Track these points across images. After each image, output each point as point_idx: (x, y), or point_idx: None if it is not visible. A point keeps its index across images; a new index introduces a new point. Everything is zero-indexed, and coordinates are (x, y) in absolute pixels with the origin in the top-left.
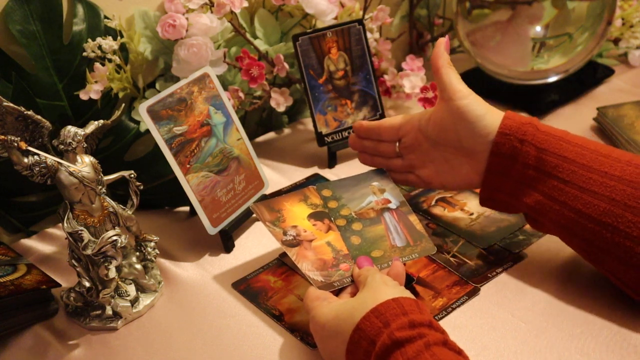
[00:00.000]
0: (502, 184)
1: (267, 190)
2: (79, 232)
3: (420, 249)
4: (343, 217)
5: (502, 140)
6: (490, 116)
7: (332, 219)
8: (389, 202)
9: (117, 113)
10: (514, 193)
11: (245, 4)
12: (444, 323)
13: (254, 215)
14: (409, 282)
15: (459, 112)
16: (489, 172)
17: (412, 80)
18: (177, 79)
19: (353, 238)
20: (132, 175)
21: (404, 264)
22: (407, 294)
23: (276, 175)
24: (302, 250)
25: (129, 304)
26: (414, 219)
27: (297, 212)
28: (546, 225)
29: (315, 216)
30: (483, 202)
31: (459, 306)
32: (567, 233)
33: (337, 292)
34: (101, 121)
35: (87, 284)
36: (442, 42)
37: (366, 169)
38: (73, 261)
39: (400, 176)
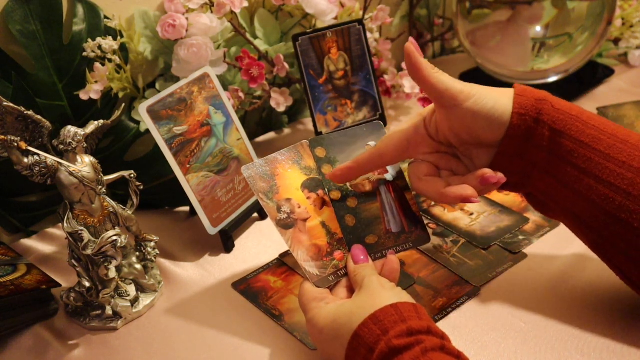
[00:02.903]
0: (513, 165)
1: None
2: (79, 232)
3: (415, 237)
4: (337, 188)
5: (518, 122)
6: (501, 102)
7: (327, 190)
8: (386, 171)
9: (117, 113)
10: (525, 173)
11: (245, 4)
12: (444, 323)
13: (246, 177)
14: (409, 283)
15: (470, 113)
16: (501, 154)
17: (412, 80)
18: (177, 79)
19: (347, 218)
20: (132, 175)
21: (399, 261)
22: (405, 296)
23: None
24: (297, 234)
25: (129, 304)
26: (410, 196)
27: (290, 179)
28: (554, 210)
29: (309, 186)
30: None
31: (459, 306)
32: (577, 221)
33: (333, 284)
34: (101, 121)
35: (87, 284)
36: (412, 49)
37: None
38: (73, 261)
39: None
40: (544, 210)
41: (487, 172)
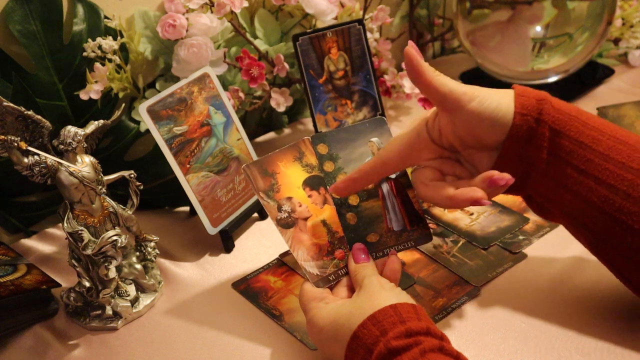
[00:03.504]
0: (515, 168)
1: None
2: (79, 232)
3: (417, 235)
4: None
5: (521, 122)
6: (504, 102)
7: (328, 188)
8: None
9: (117, 113)
10: (525, 176)
11: (245, 4)
12: (444, 323)
13: (247, 176)
14: (409, 283)
15: (475, 114)
16: (502, 156)
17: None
18: (177, 79)
19: (349, 216)
20: (132, 175)
21: (401, 261)
22: (405, 297)
23: None
24: (297, 233)
25: (129, 304)
26: (412, 194)
27: (292, 177)
28: (554, 213)
29: (310, 184)
30: None
31: (459, 306)
32: (577, 224)
33: (333, 283)
34: (101, 121)
35: (87, 284)
36: (413, 52)
37: None
38: (73, 261)
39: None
40: (543, 213)
41: (495, 173)
